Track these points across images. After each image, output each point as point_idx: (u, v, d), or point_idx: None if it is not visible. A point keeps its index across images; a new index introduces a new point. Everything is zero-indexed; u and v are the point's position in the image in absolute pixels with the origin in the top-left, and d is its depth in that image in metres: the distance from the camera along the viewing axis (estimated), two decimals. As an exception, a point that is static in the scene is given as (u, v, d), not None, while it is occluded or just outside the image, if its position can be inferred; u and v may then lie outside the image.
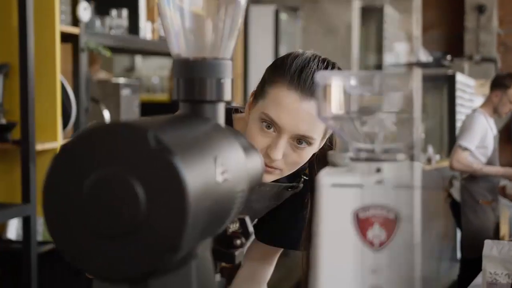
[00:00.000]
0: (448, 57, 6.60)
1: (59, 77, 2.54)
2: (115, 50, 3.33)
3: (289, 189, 1.45)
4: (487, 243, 2.03)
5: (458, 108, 6.97)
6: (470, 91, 7.42)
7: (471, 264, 4.35)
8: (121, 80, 3.28)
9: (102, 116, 3.03)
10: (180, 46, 0.82)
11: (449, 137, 7.01)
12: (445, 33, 7.81)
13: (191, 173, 0.61)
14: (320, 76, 0.70)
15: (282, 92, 1.26)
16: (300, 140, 1.28)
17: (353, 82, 0.70)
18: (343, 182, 0.68)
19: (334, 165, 0.78)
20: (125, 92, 3.11)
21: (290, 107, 1.25)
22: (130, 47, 3.29)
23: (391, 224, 0.68)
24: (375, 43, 7.39)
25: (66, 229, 0.62)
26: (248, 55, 5.12)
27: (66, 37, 2.67)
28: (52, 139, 2.55)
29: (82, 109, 2.75)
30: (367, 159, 0.70)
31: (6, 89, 2.46)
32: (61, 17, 2.64)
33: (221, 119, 0.81)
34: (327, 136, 1.35)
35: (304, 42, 5.75)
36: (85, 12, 2.67)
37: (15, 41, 2.39)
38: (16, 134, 2.43)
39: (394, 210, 0.68)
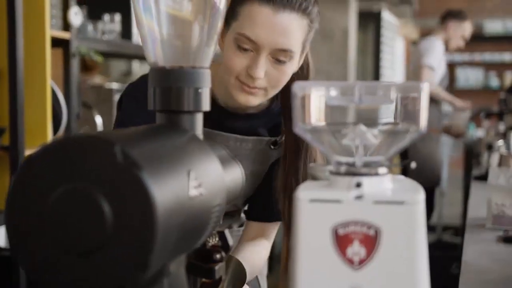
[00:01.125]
0: None
1: (49, 82, 2.51)
2: (108, 55, 3.30)
3: (272, 146, 1.42)
4: (493, 170, 1.88)
5: (381, 47, 7.16)
6: (393, 30, 7.63)
7: None
8: (115, 86, 3.25)
9: (94, 121, 3.00)
10: (156, 54, 0.79)
11: (373, 75, 7.16)
12: None
13: (161, 188, 0.59)
14: (298, 86, 0.68)
15: (254, 8, 1.23)
16: (279, 57, 1.24)
17: (333, 92, 0.68)
18: (322, 197, 0.66)
19: (314, 178, 0.75)
20: (118, 97, 3.08)
21: (264, 22, 1.22)
22: (123, 52, 3.27)
23: (371, 241, 0.65)
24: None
25: (30, 243, 0.59)
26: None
27: (57, 42, 2.64)
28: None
29: (73, 114, 2.72)
30: (347, 173, 0.68)
31: (-4, 94, 2.43)
32: (52, 21, 2.61)
33: (198, 129, 0.79)
34: (305, 51, 1.33)
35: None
36: (76, 17, 2.64)
37: (3, 46, 2.36)
38: (5, 140, 2.40)
39: (374, 227, 0.65)
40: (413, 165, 1.00)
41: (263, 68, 1.24)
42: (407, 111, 0.66)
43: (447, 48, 4.57)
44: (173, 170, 0.63)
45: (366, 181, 0.66)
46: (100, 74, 4.27)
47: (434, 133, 4.45)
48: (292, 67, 1.28)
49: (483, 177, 2.81)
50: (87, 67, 3.81)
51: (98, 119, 3.05)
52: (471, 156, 4.59)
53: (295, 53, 1.26)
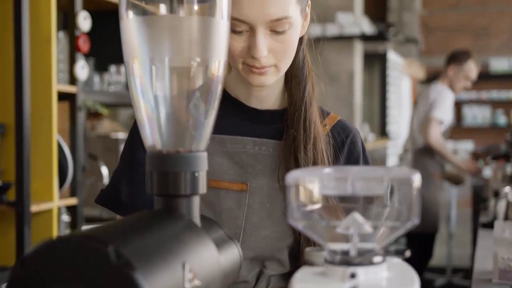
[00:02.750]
0: (392, 30, 6.60)
1: (55, 137, 2.53)
2: (114, 105, 3.33)
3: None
4: (498, 224, 1.85)
5: (387, 87, 7.18)
6: (399, 70, 7.67)
7: (417, 239, 4.30)
8: (121, 135, 3.27)
9: (100, 172, 3.02)
10: (153, 138, 0.80)
11: (380, 115, 7.15)
12: (368, 11, 7.84)
13: (155, 286, 0.59)
14: (291, 176, 0.68)
15: None
16: (277, 28, 1.14)
17: (326, 182, 0.68)
18: (316, 288, 0.66)
19: (310, 263, 0.75)
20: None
21: None
22: (129, 102, 3.30)
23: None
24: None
25: None
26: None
27: (64, 96, 2.67)
28: (48, 199, 2.53)
29: (79, 167, 2.74)
30: (341, 263, 0.68)
31: (2, 149, 2.45)
32: (59, 75, 2.64)
33: (195, 212, 0.79)
34: (306, 13, 1.23)
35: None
36: (82, 71, 2.67)
37: (11, 101, 2.39)
38: (11, 195, 2.41)
39: (370, 319, 0.65)
40: (407, 253, 0.98)
41: (264, 46, 1.14)
42: (401, 200, 0.67)
43: (453, 90, 4.58)
44: (168, 265, 0.63)
45: (361, 271, 0.66)
46: (107, 119, 4.31)
47: (435, 179, 4.44)
48: (296, 33, 1.19)
49: (490, 225, 2.80)
50: (95, 113, 3.85)
51: (104, 170, 3.06)
52: (479, 199, 4.57)
53: (293, 18, 1.16)
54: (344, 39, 5.54)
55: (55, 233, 2.55)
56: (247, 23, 1.13)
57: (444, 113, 4.40)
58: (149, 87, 0.79)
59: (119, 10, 0.79)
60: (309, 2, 1.24)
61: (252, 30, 1.14)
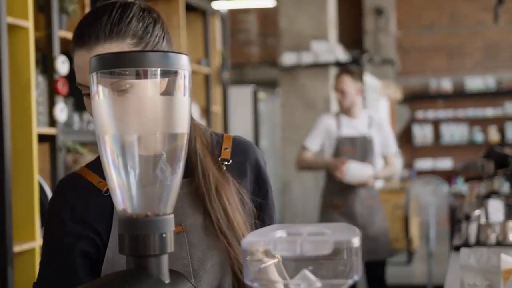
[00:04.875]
0: (365, 56, 6.68)
1: (36, 177, 2.60)
2: (94, 143, 3.40)
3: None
4: (464, 251, 1.89)
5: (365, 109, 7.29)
6: (376, 92, 7.82)
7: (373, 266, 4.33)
8: (101, 171, 3.33)
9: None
10: (124, 204, 0.88)
11: None
12: (345, 34, 7.98)
13: None
14: (246, 242, 0.77)
15: (75, 55, 1.21)
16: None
17: (278, 246, 0.77)
18: None
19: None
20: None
21: (85, 63, 1.17)
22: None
23: None
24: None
25: None
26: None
27: (43, 137, 2.74)
28: (31, 239, 2.59)
29: (61, 206, 2.80)
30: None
31: (-16, 192, 2.51)
32: (39, 117, 2.72)
33: (164, 270, 0.87)
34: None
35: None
36: (62, 113, 2.75)
37: (-8, 145, 2.46)
38: (-7, 236, 2.47)
39: None
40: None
41: None
42: (343, 259, 0.75)
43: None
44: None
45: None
46: (90, 152, 4.36)
47: (374, 204, 4.28)
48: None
49: (463, 247, 2.88)
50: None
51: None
52: (454, 220, 4.66)
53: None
54: (320, 67, 5.67)
55: (37, 273, 2.60)
56: (88, 87, 1.14)
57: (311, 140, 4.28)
58: (120, 158, 0.87)
59: (90, 90, 0.87)
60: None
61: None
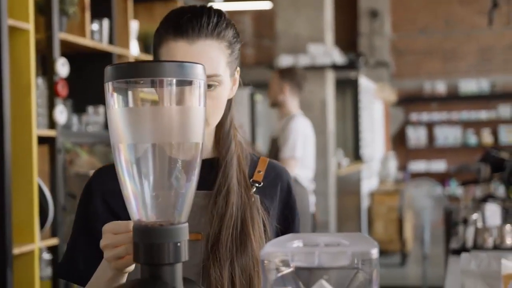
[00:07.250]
0: (361, 59, 6.71)
1: (36, 180, 2.60)
2: (93, 144, 3.40)
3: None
4: (464, 256, 1.89)
5: (360, 112, 7.34)
6: (371, 94, 7.86)
7: None
8: (99, 173, 3.33)
9: (79, 211, 3.07)
10: (139, 213, 0.89)
11: (353, 140, 7.30)
12: (340, 37, 7.98)
13: None
14: (264, 251, 0.77)
15: (170, 45, 1.22)
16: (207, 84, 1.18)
17: (296, 257, 0.77)
18: None
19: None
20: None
21: (183, 55, 1.20)
22: (106, 141, 3.37)
23: None
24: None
25: None
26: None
27: (43, 139, 2.74)
28: (30, 241, 2.59)
29: (59, 208, 2.80)
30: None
31: (-16, 194, 2.50)
32: (38, 120, 2.71)
33: (178, 278, 0.88)
34: (235, 72, 1.31)
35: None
36: (61, 115, 2.75)
37: (-9, 147, 2.45)
38: (-7, 239, 2.46)
39: None
40: None
41: None
42: (362, 271, 0.76)
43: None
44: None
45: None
46: (88, 153, 4.36)
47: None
48: (225, 91, 1.27)
49: (460, 251, 2.88)
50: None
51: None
52: (450, 222, 4.66)
53: (222, 76, 1.25)
54: (316, 69, 5.67)
55: (37, 275, 2.60)
56: None
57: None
58: (134, 168, 0.87)
59: (105, 100, 0.88)
60: (238, 68, 1.33)
61: None
